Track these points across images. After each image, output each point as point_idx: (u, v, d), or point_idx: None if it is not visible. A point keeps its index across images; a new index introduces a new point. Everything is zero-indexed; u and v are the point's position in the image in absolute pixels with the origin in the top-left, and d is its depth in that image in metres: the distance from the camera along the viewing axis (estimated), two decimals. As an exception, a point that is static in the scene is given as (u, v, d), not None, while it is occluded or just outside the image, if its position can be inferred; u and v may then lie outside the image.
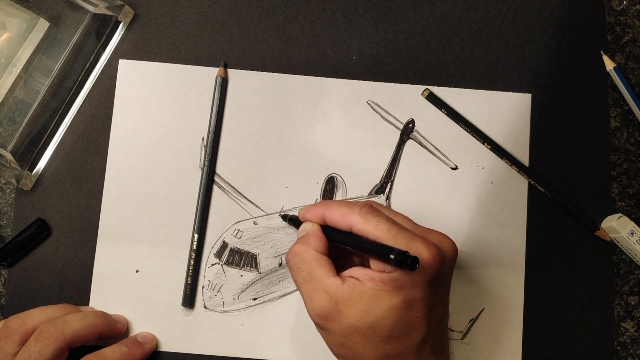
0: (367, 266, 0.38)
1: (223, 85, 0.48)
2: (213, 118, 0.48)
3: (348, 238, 0.39)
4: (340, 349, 0.38)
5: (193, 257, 0.46)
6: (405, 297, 0.36)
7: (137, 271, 0.47)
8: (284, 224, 0.47)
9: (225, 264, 0.47)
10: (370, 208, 0.39)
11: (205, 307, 0.47)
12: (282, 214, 0.47)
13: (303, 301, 0.39)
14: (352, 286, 0.37)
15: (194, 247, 0.47)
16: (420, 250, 0.36)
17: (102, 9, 0.47)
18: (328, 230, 0.41)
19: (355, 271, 0.38)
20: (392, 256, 0.34)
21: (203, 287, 0.47)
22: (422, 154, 0.48)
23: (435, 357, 0.39)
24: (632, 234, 0.46)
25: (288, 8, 0.49)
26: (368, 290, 0.36)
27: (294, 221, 0.45)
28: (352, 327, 0.36)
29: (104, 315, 0.45)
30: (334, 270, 0.38)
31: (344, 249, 0.40)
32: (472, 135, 0.48)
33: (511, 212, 0.48)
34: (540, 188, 0.48)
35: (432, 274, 0.36)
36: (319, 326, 0.39)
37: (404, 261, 0.34)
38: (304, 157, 0.48)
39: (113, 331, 0.45)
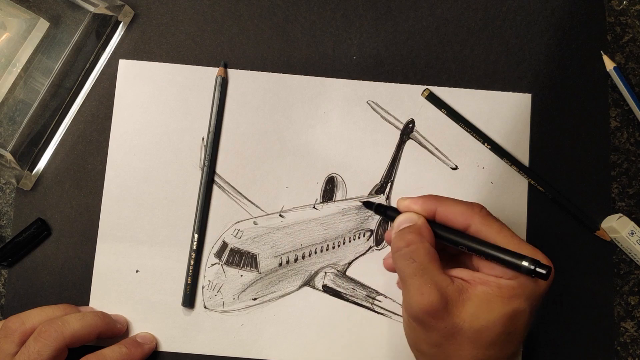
0: (470, 268, 0.38)
1: (223, 85, 0.48)
2: (213, 118, 0.48)
3: (465, 238, 0.37)
4: (433, 348, 0.36)
5: (193, 257, 0.46)
6: (517, 307, 0.35)
7: (137, 271, 0.47)
8: (284, 223, 0.47)
9: (225, 264, 0.47)
10: (488, 211, 0.38)
11: (205, 307, 0.47)
12: (364, 201, 0.46)
13: (405, 294, 0.37)
14: (461, 287, 0.36)
15: (194, 247, 0.47)
16: (544, 262, 0.35)
17: (102, 9, 0.47)
18: (435, 226, 0.39)
19: (463, 273, 0.37)
20: (525, 263, 0.34)
21: (203, 287, 0.47)
22: (422, 154, 0.48)
23: None
24: (632, 234, 0.46)
25: (288, 8, 0.49)
26: (480, 293, 0.36)
27: (384, 210, 0.43)
28: (458, 328, 0.35)
29: (104, 315, 0.45)
30: (442, 268, 0.37)
31: (440, 247, 0.39)
32: (472, 135, 0.48)
33: (511, 212, 0.48)
34: (540, 188, 0.48)
35: (547, 287, 0.36)
36: (421, 322, 0.36)
37: (538, 271, 0.34)
38: (304, 157, 0.48)
39: (113, 331, 0.45)
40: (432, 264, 0.37)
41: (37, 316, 0.43)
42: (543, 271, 0.34)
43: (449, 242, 0.38)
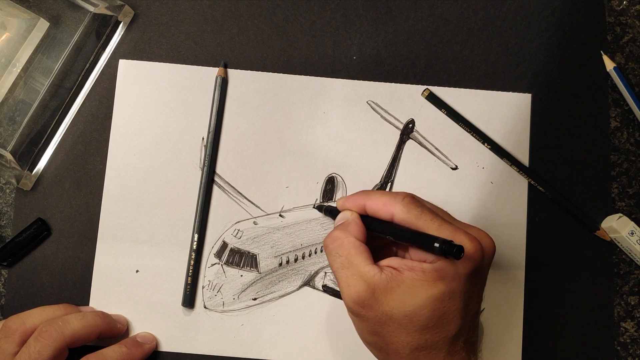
0: (405, 257, 0.39)
1: (223, 85, 0.48)
2: (213, 118, 0.48)
3: (389, 227, 0.39)
4: (373, 336, 0.38)
5: (193, 257, 0.46)
6: (444, 289, 0.36)
7: (137, 271, 0.47)
8: (284, 223, 0.47)
9: (225, 264, 0.47)
10: (413, 198, 0.39)
11: (205, 307, 0.47)
12: (316, 205, 0.48)
13: (339, 287, 0.39)
14: (389, 275, 0.37)
15: (194, 247, 0.46)
16: (463, 242, 0.36)
17: (102, 9, 0.47)
18: (367, 219, 0.41)
19: (393, 261, 0.38)
20: (436, 245, 0.35)
21: (203, 287, 0.47)
22: (422, 154, 0.48)
23: (467, 352, 0.39)
24: (632, 234, 0.46)
25: (288, 8, 0.49)
26: (406, 279, 0.37)
27: (331, 212, 0.45)
28: (388, 315, 0.36)
29: (104, 315, 0.45)
30: (372, 259, 0.38)
31: (381, 240, 0.40)
32: (472, 135, 0.48)
33: (511, 212, 0.48)
34: (540, 188, 0.48)
35: (473, 267, 0.37)
36: (354, 312, 0.38)
37: (449, 250, 0.34)
38: (304, 157, 0.48)
39: (113, 331, 0.45)
40: (358, 256, 0.38)
41: (38, 316, 0.43)
42: (454, 250, 0.35)
43: (378, 232, 0.40)
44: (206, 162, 0.47)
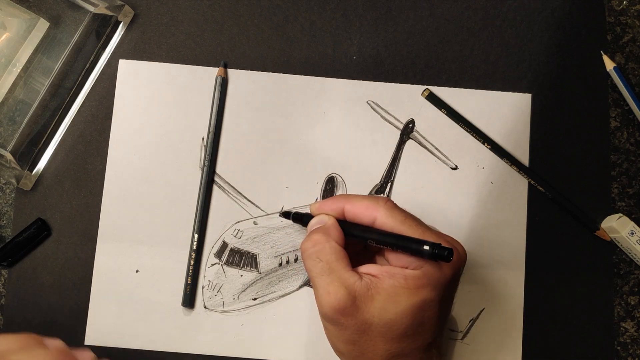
0: (382, 264, 0.38)
1: (223, 85, 0.48)
2: (213, 118, 0.48)
3: (370, 232, 0.38)
4: (349, 345, 0.37)
5: (193, 257, 0.46)
6: (425, 297, 0.36)
7: (137, 271, 0.47)
8: (284, 223, 0.47)
9: (225, 264, 0.47)
10: (393, 203, 0.38)
11: (205, 307, 0.47)
12: (282, 212, 0.46)
13: (315, 293, 0.38)
14: (369, 282, 0.36)
15: (194, 247, 0.46)
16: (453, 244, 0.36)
17: (102, 9, 0.47)
18: (345, 224, 0.40)
19: (372, 268, 0.37)
20: (426, 247, 0.34)
21: (203, 287, 0.47)
22: (422, 154, 0.48)
23: (439, 358, 0.39)
24: (632, 234, 0.46)
25: (288, 8, 0.49)
26: (387, 287, 0.36)
27: (301, 218, 0.44)
28: (368, 323, 0.36)
29: (64, 354, 0.35)
30: (351, 265, 0.38)
31: (354, 246, 0.40)
32: (472, 135, 0.48)
33: (511, 212, 0.48)
34: (540, 188, 0.48)
35: (453, 274, 0.36)
36: (332, 321, 0.37)
37: (439, 253, 0.34)
38: (304, 157, 0.48)
39: None
40: (339, 262, 0.37)
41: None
42: (445, 253, 0.34)
43: (358, 238, 0.39)
44: (206, 162, 0.47)
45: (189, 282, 0.46)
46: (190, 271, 0.46)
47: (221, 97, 0.48)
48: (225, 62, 0.49)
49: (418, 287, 0.36)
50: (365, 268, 0.38)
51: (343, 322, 0.36)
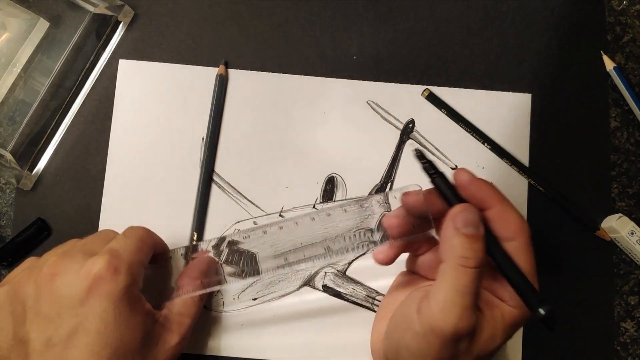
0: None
1: (223, 84, 0.48)
2: (212, 116, 0.48)
3: (498, 251, 0.33)
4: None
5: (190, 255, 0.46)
6: (509, 336, 0.34)
7: (137, 271, 0.47)
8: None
9: (224, 263, 0.47)
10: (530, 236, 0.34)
11: (205, 307, 0.47)
12: (416, 152, 0.36)
13: (448, 308, 0.33)
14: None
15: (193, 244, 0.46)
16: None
17: (102, 9, 0.47)
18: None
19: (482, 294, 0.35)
20: (542, 312, 0.31)
21: (203, 287, 0.47)
22: (422, 154, 0.48)
23: None
24: (632, 234, 0.46)
25: (288, 8, 0.49)
26: (489, 319, 0.34)
27: (441, 180, 0.35)
28: (466, 351, 0.33)
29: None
30: None
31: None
32: (472, 135, 0.48)
33: (511, 212, 0.48)
34: (540, 188, 0.48)
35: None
36: (443, 339, 0.33)
37: (550, 321, 0.31)
38: (304, 157, 0.48)
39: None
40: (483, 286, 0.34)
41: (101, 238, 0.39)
42: (552, 325, 0.32)
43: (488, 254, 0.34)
44: (204, 160, 0.47)
45: (189, 282, 0.46)
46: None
47: (221, 96, 0.48)
48: (226, 60, 0.49)
49: (510, 325, 0.34)
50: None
51: (452, 346, 0.33)
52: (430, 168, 0.35)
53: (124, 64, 0.49)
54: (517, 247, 0.34)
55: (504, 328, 0.33)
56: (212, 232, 0.47)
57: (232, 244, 0.47)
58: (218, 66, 0.48)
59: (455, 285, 0.32)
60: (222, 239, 0.47)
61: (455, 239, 0.33)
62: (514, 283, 0.33)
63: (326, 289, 0.47)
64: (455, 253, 0.33)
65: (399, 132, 0.48)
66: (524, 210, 0.48)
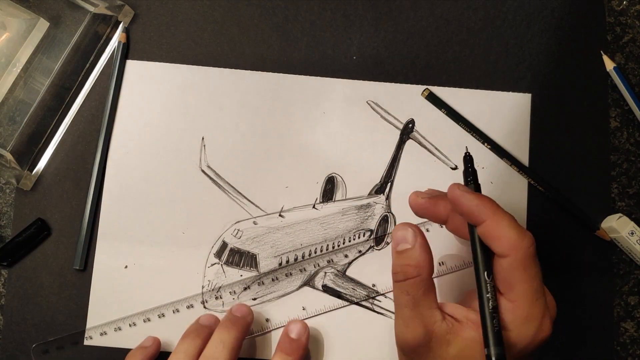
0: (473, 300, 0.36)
1: (123, 52, 0.48)
2: (112, 85, 0.48)
3: (488, 269, 0.34)
4: None
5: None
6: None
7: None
8: (284, 223, 0.47)
9: (225, 263, 0.47)
10: (534, 251, 0.34)
11: (205, 307, 0.47)
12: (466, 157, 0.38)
13: (395, 319, 0.36)
14: (450, 326, 0.35)
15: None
16: (544, 327, 0.34)
17: (102, 9, 0.47)
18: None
19: (457, 311, 0.36)
20: (486, 353, 0.32)
21: (203, 287, 0.47)
22: (422, 154, 0.48)
23: None
24: (632, 234, 0.46)
25: (288, 8, 0.49)
26: (466, 338, 0.34)
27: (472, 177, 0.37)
28: None
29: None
30: (437, 301, 0.36)
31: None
32: (472, 135, 0.48)
33: (511, 212, 0.47)
34: (540, 188, 0.48)
35: (534, 351, 0.35)
36: (402, 350, 0.37)
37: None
38: (304, 157, 0.48)
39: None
40: (426, 298, 0.35)
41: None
42: None
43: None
44: (103, 133, 0.48)
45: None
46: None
47: (120, 66, 0.48)
48: (127, 29, 0.48)
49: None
50: (450, 308, 0.36)
51: (412, 357, 0.36)
52: (469, 174, 0.37)
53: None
54: (510, 264, 0.34)
55: (482, 344, 0.34)
56: (212, 232, 0.47)
57: (233, 249, 0.47)
58: (218, 66, 0.48)
59: (395, 300, 0.36)
60: (224, 246, 0.47)
61: (394, 260, 0.37)
62: (481, 314, 0.34)
63: (326, 289, 0.47)
64: (392, 271, 0.37)
65: (398, 132, 0.48)
66: (523, 210, 0.48)
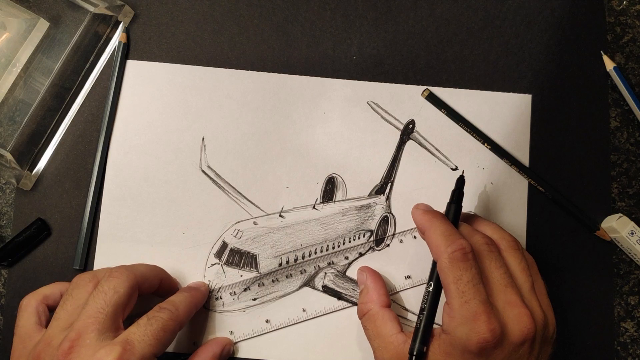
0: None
1: (123, 52, 0.48)
2: (113, 84, 0.48)
3: (432, 273, 0.40)
4: None
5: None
6: None
7: (137, 271, 0.47)
8: (284, 223, 0.47)
9: (225, 264, 0.47)
10: (466, 255, 0.37)
11: (205, 307, 0.47)
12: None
13: (374, 352, 0.42)
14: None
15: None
16: (478, 329, 0.36)
17: (102, 9, 0.47)
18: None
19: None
20: (413, 353, 0.38)
21: (203, 287, 0.47)
22: (422, 154, 0.48)
23: None
24: (632, 234, 0.46)
25: (288, 8, 0.49)
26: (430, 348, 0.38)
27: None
28: None
29: (162, 269, 0.45)
30: (398, 324, 0.41)
31: None
32: (472, 135, 0.48)
33: (511, 212, 0.48)
34: (540, 188, 0.48)
35: (478, 354, 0.36)
36: None
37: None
38: (304, 157, 0.48)
39: (171, 282, 0.45)
40: (384, 327, 0.41)
41: (104, 270, 0.41)
42: None
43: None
44: (103, 132, 0.48)
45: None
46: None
47: (120, 66, 0.48)
48: (128, 29, 0.49)
49: (445, 354, 0.38)
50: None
51: None
52: (454, 195, 0.43)
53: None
54: (439, 267, 0.38)
55: (441, 354, 0.38)
56: (212, 232, 0.47)
57: (233, 250, 0.47)
58: (218, 66, 0.48)
59: (366, 336, 0.43)
60: (224, 246, 0.47)
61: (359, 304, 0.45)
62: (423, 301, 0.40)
63: (326, 289, 0.47)
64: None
65: (399, 133, 0.48)
66: (523, 211, 0.48)
